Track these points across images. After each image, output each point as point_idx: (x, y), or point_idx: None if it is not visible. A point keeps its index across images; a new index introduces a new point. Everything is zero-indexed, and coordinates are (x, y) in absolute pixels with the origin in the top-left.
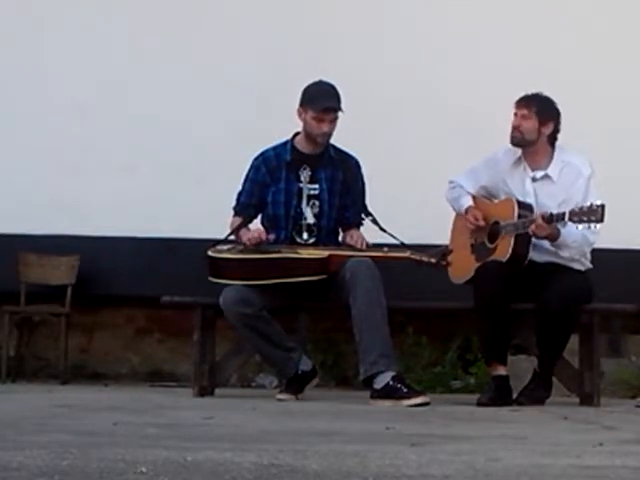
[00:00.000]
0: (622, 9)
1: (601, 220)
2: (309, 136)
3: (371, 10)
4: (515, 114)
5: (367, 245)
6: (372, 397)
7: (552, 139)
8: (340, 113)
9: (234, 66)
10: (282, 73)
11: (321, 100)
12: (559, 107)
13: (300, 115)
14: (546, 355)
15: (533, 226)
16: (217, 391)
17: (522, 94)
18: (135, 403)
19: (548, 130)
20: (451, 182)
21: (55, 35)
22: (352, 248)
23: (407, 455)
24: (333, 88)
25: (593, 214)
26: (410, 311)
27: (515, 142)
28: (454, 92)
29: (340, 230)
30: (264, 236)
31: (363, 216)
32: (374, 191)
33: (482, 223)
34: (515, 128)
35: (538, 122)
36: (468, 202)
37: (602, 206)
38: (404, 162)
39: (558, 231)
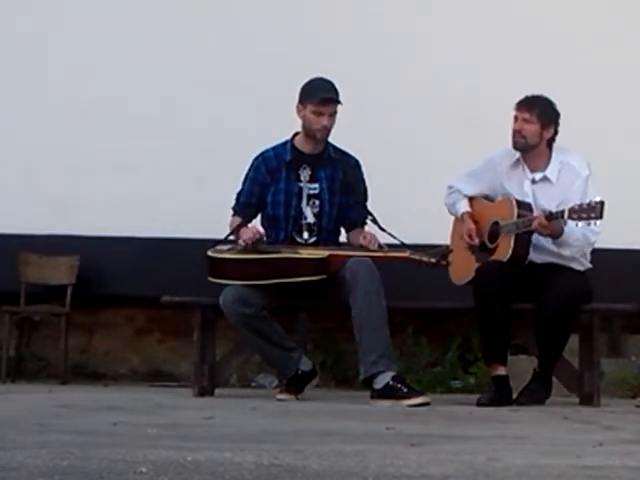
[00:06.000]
0: (622, 9)
1: (600, 217)
2: (308, 133)
3: (371, 10)
4: (516, 117)
5: (380, 246)
6: (372, 397)
7: (550, 141)
8: (339, 109)
9: (234, 66)
10: (282, 73)
11: (320, 93)
12: (558, 108)
13: (299, 112)
14: (546, 355)
15: (536, 223)
16: (217, 391)
17: (523, 96)
18: (135, 403)
19: (549, 134)
20: (450, 187)
21: (56, 35)
22: (353, 248)
23: (407, 455)
24: (331, 83)
25: (592, 211)
26: (410, 311)
27: (518, 147)
28: (454, 92)
29: (344, 230)
30: (257, 233)
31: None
32: (374, 191)
33: (476, 242)
34: (517, 132)
35: (540, 126)
36: (463, 208)
37: (601, 203)
38: (404, 162)
39: (561, 228)
